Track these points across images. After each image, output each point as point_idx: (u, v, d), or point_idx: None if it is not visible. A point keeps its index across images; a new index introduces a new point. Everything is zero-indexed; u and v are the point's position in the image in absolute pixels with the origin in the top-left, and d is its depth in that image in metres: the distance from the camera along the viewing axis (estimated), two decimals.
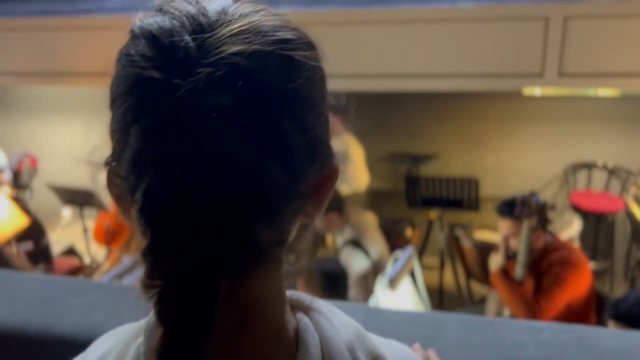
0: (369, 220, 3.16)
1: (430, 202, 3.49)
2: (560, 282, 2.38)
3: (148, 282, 0.40)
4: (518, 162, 4.42)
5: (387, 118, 4.63)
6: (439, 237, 3.60)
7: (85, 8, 3.84)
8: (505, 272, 2.56)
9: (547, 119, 4.38)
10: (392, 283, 2.34)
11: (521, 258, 2.47)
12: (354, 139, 4.14)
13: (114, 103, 0.44)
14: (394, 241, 3.60)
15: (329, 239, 3.41)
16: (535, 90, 3.94)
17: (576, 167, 4.30)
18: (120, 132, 0.43)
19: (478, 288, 3.68)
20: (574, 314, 2.40)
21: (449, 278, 3.78)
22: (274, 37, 0.43)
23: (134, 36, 0.43)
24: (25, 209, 3.28)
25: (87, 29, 3.79)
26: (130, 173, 0.42)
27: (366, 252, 2.81)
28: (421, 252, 4.11)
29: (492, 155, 4.47)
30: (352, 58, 3.38)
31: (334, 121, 4.00)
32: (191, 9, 0.43)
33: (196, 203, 0.40)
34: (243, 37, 0.41)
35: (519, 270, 2.49)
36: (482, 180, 4.37)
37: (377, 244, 2.94)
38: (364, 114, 4.55)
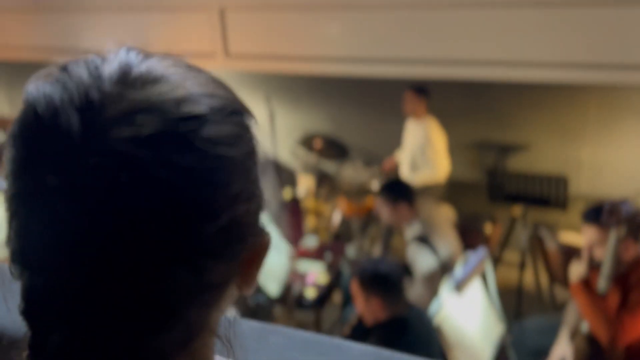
0: (442, 215, 3.03)
1: (514, 198, 3.29)
2: None
3: None
4: (616, 159, 4.05)
5: (476, 104, 4.40)
6: (522, 235, 3.39)
7: None
8: (587, 284, 2.36)
9: None
10: (459, 286, 2.23)
11: (606, 270, 2.26)
12: (437, 123, 4.00)
13: (5, 180, 0.39)
14: (472, 237, 3.44)
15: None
16: None
17: None
18: (6, 218, 0.39)
19: (561, 292, 3.45)
20: None
21: (529, 278, 3.57)
22: (177, 114, 0.36)
23: (22, 108, 0.38)
24: None
25: (176, 9, 3.89)
26: (13, 267, 0.39)
27: (434, 250, 2.69)
28: (502, 248, 3.92)
29: (588, 150, 4.13)
30: (443, 43, 3.21)
31: (417, 104, 3.89)
32: (85, 77, 0.37)
33: (77, 314, 0.36)
34: (138, 116, 0.35)
35: (602, 283, 2.28)
36: (575, 177, 4.06)
37: (447, 242, 2.81)
38: (452, 99, 4.37)
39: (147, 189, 0.35)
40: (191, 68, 0.41)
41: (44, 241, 0.36)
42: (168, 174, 0.35)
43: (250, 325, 0.51)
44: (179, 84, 0.38)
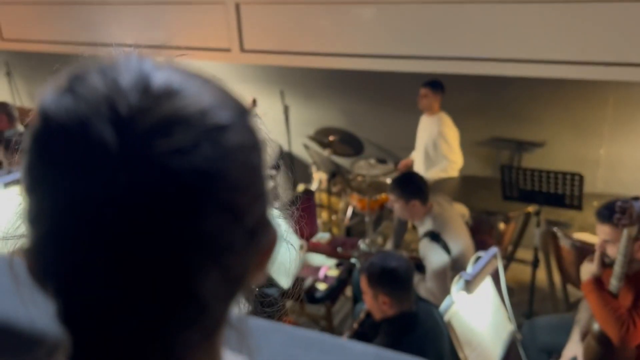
0: (455, 212, 3.01)
1: (527, 196, 3.25)
2: None
3: None
4: (634, 158, 3.99)
5: (492, 100, 4.37)
6: (535, 233, 3.37)
7: None
8: (599, 282, 2.35)
9: None
10: (470, 285, 2.22)
11: (618, 269, 2.24)
12: (449, 119, 3.99)
13: (26, 194, 0.39)
14: (484, 235, 3.43)
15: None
16: None
17: None
18: (30, 229, 0.39)
19: (574, 291, 3.42)
20: None
21: (542, 277, 3.55)
22: (204, 125, 0.38)
23: (41, 121, 0.38)
24: None
25: (192, 2, 3.90)
26: (43, 277, 0.40)
27: (446, 246, 2.69)
28: (515, 246, 3.89)
29: (607, 146, 4.07)
30: (460, 40, 3.18)
31: (432, 100, 3.88)
32: (105, 89, 0.37)
33: (117, 317, 0.38)
34: (172, 129, 0.36)
35: (614, 282, 2.26)
36: (593, 174, 4.01)
37: (459, 239, 2.80)
38: (467, 95, 4.34)
39: (184, 198, 0.36)
40: (199, 77, 0.42)
41: (86, 253, 0.36)
42: (203, 183, 0.37)
43: (253, 323, 0.53)
44: (197, 95, 0.39)
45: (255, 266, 0.45)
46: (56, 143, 0.37)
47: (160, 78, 0.38)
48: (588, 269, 2.45)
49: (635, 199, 2.21)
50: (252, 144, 0.42)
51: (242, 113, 0.43)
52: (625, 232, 2.18)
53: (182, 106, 0.37)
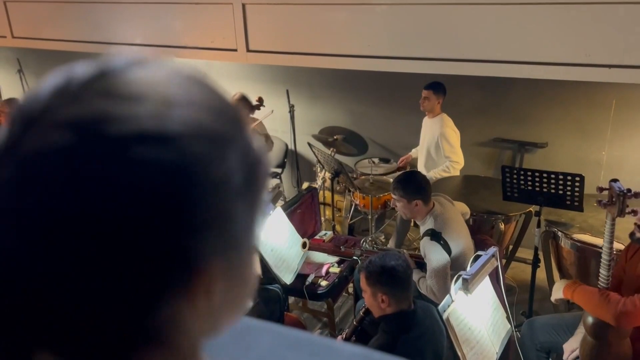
0: (456, 212, 3.05)
1: (528, 196, 3.28)
2: None
3: None
4: (638, 158, 4.01)
5: (495, 101, 4.40)
6: (535, 233, 3.39)
7: None
8: (578, 282, 2.41)
9: None
10: (468, 285, 2.26)
11: (605, 258, 2.26)
12: (450, 120, 4.04)
13: None
14: (485, 235, 3.46)
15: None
16: None
17: None
18: None
19: None
20: None
21: (542, 277, 3.58)
22: (113, 132, 0.34)
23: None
24: None
25: (199, 1, 3.94)
26: None
27: (446, 246, 2.72)
28: (516, 246, 3.92)
29: (609, 148, 4.09)
30: (464, 41, 3.21)
31: (434, 101, 3.92)
32: (53, 88, 0.37)
33: (55, 332, 0.36)
34: (59, 131, 0.34)
35: (603, 273, 2.28)
36: (595, 176, 4.03)
37: (459, 239, 2.83)
38: (470, 95, 4.36)
39: (54, 205, 0.34)
40: (185, 81, 0.39)
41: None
42: (67, 191, 0.34)
43: (241, 323, 0.54)
44: (161, 86, 0.37)
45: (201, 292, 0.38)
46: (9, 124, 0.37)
47: (120, 77, 0.37)
48: (559, 286, 2.49)
49: (614, 180, 2.25)
50: (213, 157, 0.37)
51: (205, 128, 0.37)
52: (608, 216, 2.22)
53: (104, 107, 0.35)
